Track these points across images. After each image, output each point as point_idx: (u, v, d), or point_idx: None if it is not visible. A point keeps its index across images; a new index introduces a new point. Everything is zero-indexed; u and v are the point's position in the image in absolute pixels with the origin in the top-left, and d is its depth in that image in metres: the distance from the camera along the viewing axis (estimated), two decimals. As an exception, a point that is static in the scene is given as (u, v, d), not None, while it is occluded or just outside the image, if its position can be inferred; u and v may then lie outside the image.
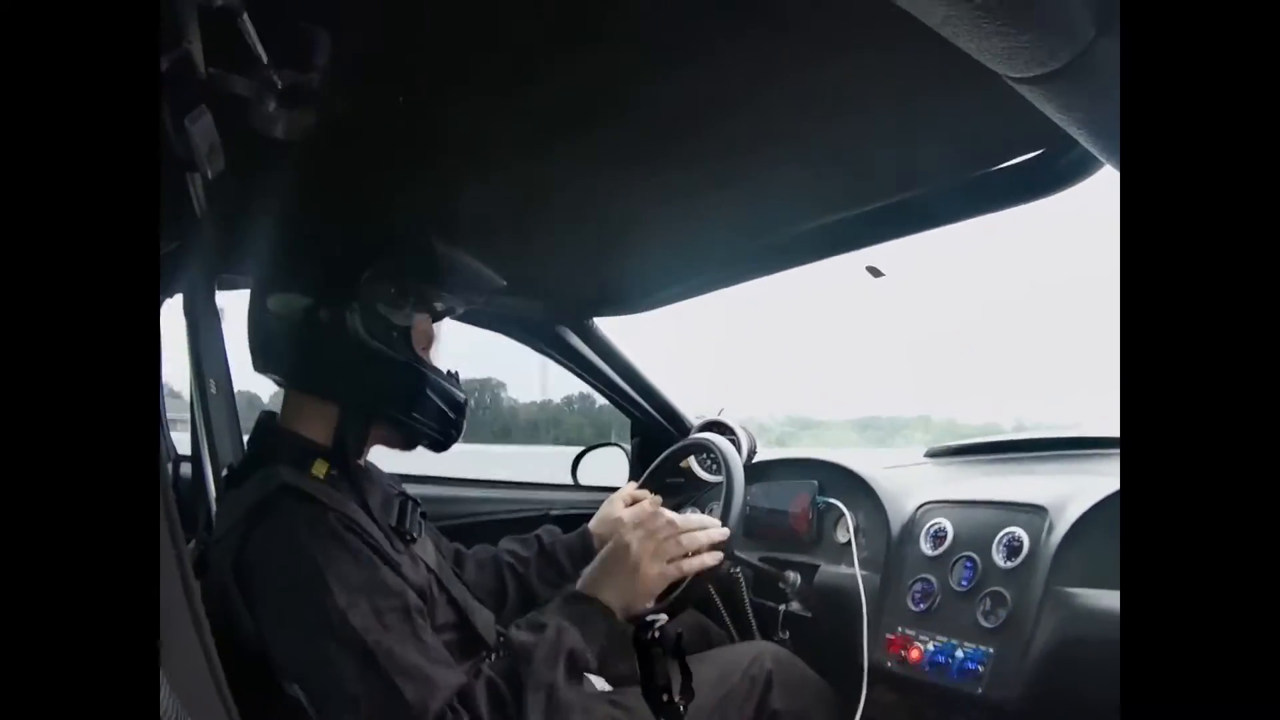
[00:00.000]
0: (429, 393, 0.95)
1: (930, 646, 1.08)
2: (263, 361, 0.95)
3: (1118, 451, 1.19)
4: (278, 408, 0.96)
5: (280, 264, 0.93)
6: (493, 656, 0.94)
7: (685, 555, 0.95)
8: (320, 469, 0.88)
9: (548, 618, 0.88)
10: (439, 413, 0.96)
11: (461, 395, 0.99)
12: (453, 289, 1.00)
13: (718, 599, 1.36)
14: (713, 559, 0.97)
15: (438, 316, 1.02)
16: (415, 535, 0.93)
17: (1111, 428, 1.30)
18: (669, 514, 0.98)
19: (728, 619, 1.36)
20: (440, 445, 0.99)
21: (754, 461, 1.62)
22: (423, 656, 0.80)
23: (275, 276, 0.93)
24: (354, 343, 0.89)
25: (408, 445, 0.99)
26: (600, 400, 1.87)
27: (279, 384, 0.96)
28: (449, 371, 0.99)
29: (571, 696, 0.83)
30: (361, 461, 0.96)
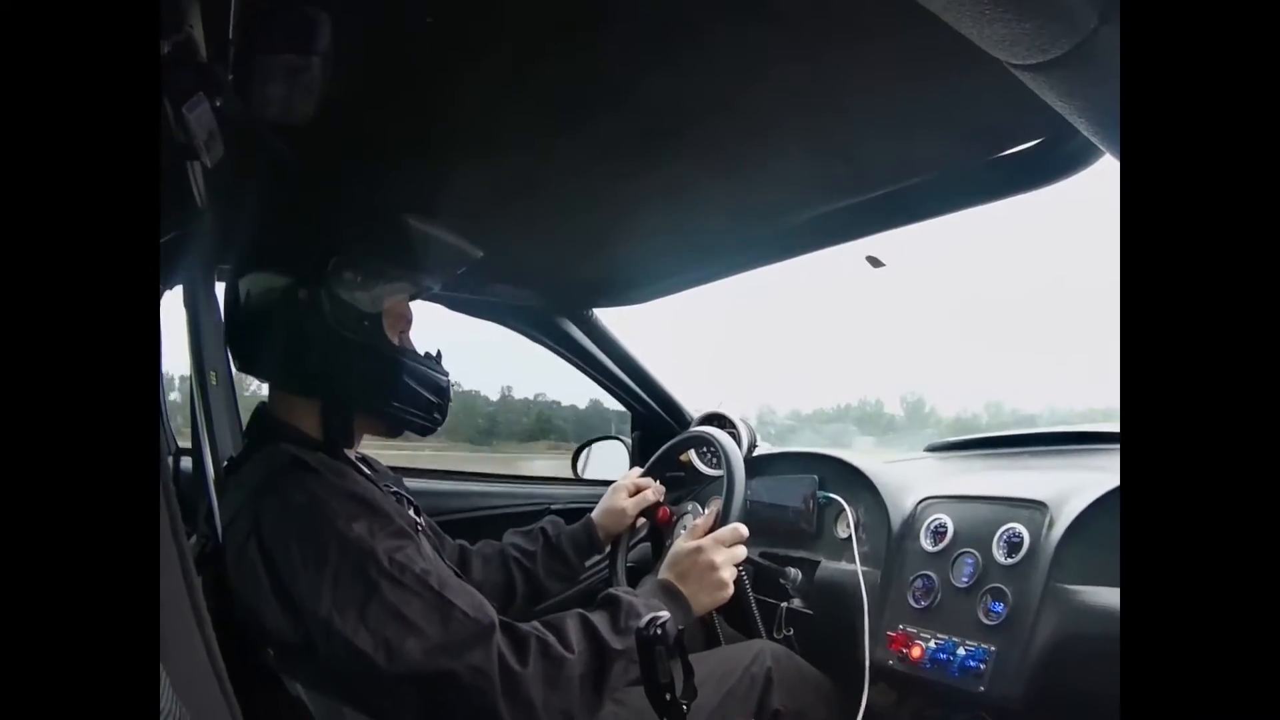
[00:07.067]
0: (408, 379, 0.93)
1: (932, 644, 1.07)
2: (241, 359, 0.95)
3: (1118, 447, 1.19)
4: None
5: (249, 250, 0.92)
6: None
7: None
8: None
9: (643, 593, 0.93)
10: (422, 398, 0.95)
11: (443, 378, 0.98)
12: (422, 266, 0.96)
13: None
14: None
15: (411, 296, 0.99)
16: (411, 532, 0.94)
17: (1112, 423, 1.30)
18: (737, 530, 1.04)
19: (731, 617, 1.36)
20: (425, 430, 0.97)
21: (754, 455, 1.61)
22: (464, 580, 0.85)
23: (244, 263, 0.91)
24: (324, 334, 0.88)
25: (392, 433, 0.98)
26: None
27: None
28: (428, 353, 0.97)
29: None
30: (353, 453, 0.96)
